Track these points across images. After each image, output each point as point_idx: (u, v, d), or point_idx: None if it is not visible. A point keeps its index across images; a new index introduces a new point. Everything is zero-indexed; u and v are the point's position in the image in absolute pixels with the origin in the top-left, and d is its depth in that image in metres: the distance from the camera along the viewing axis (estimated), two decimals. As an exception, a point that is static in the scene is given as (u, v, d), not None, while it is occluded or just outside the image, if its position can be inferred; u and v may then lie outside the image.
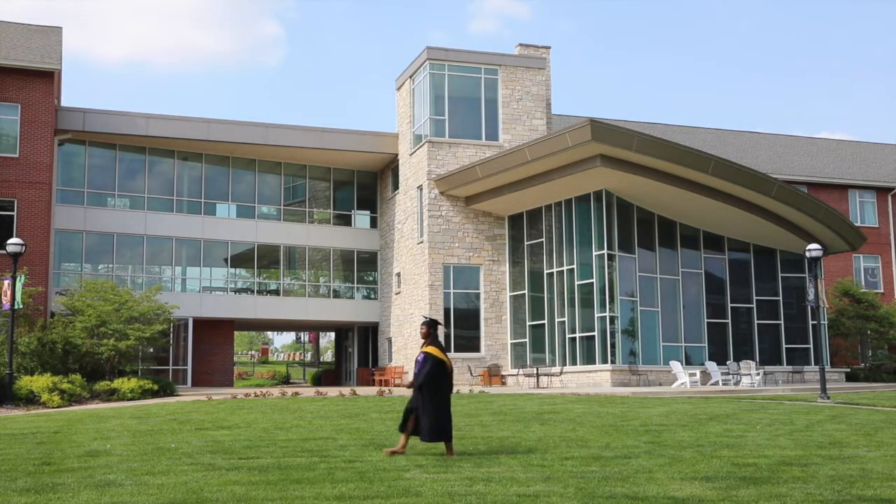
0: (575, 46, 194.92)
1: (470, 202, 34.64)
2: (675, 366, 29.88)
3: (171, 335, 35.29)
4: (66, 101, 39.60)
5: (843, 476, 9.48)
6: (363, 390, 28.21)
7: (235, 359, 56.57)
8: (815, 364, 34.37)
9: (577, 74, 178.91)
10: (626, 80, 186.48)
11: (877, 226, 45.01)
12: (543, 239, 33.60)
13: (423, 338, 11.51)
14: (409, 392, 12.05)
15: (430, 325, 11.51)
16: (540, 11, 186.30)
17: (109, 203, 36.75)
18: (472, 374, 33.15)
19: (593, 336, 30.69)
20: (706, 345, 33.64)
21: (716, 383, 30.35)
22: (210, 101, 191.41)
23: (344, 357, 46.28)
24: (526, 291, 34.07)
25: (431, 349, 11.30)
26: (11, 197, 31.95)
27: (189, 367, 36.01)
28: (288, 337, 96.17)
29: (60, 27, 36.25)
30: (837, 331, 39.77)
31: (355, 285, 40.67)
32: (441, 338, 34.18)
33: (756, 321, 35.14)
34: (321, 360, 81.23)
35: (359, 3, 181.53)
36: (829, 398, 23.04)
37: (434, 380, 11.18)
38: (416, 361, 11.44)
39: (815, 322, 34.47)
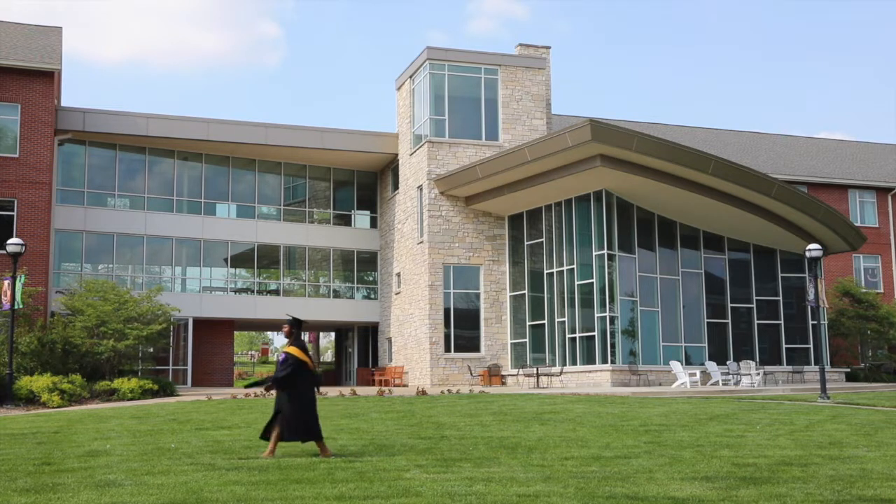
0: (575, 46, 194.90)
1: (470, 202, 34.64)
2: (675, 366, 29.87)
3: (171, 335, 35.27)
4: (66, 101, 39.63)
5: (843, 476, 9.48)
6: (363, 390, 28.20)
7: (235, 359, 56.55)
8: (815, 364, 34.37)
9: (577, 74, 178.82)
10: (626, 80, 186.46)
11: (877, 226, 45.01)
12: (543, 239, 33.60)
13: (286, 336, 11.41)
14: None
15: (294, 324, 11.39)
16: (539, 11, 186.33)
17: (109, 203, 36.75)
18: (472, 374, 33.14)
19: (593, 336, 30.69)
20: (706, 345, 33.64)
21: (716, 383, 30.34)
22: (210, 101, 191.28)
23: (344, 357, 46.29)
24: (526, 291, 34.07)
25: (292, 349, 11.22)
26: (11, 197, 31.95)
27: (189, 367, 35.99)
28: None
29: (60, 27, 36.28)
30: (837, 331, 39.77)
31: (355, 285, 40.67)
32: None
33: (756, 321, 35.14)
34: (321, 360, 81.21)
35: (358, 3, 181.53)
36: (829, 398, 23.02)
37: (294, 380, 11.08)
38: (277, 361, 11.34)
39: (815, 322, 34.47)
